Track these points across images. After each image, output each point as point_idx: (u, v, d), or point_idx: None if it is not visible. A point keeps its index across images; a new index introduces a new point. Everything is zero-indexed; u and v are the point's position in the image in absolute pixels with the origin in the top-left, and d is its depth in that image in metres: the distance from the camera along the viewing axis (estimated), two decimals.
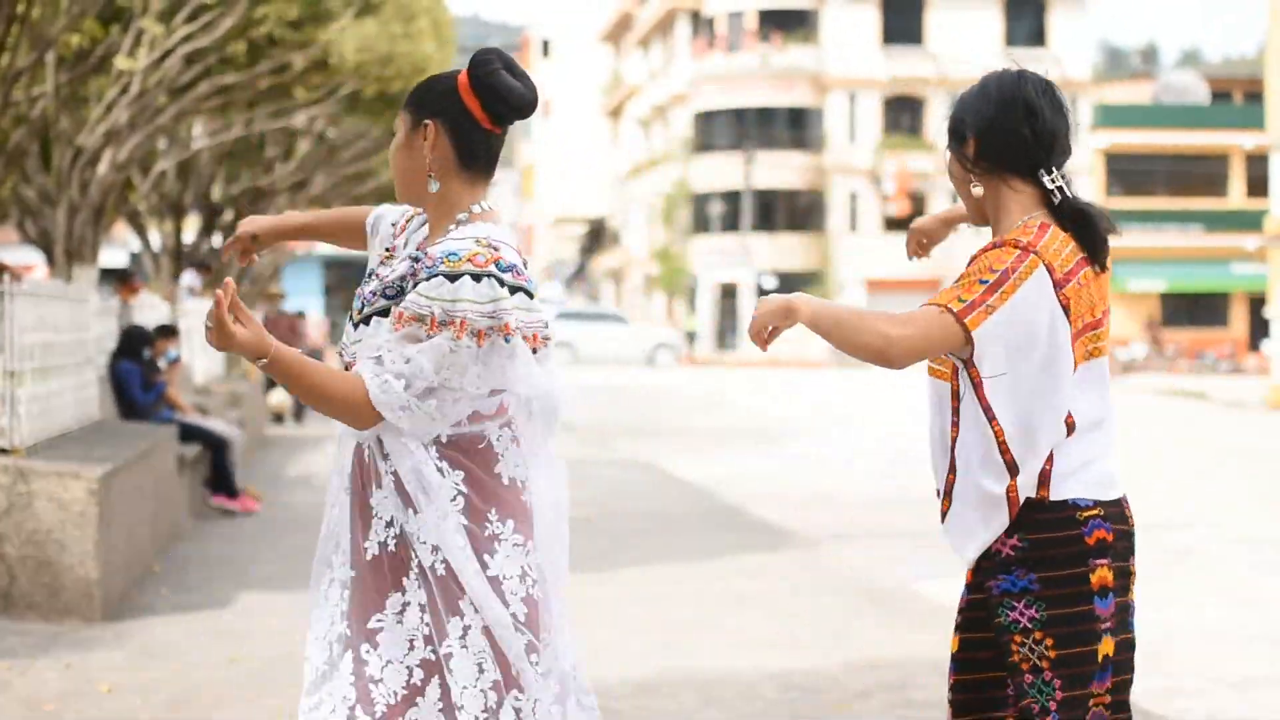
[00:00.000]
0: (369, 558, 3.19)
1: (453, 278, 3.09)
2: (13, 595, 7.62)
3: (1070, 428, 3.16)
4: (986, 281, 3.11)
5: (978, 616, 3.20)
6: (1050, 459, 3.15)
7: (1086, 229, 3.25)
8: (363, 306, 3.27)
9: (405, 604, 3.15)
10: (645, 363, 45.26)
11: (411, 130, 3.24)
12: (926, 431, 3.36)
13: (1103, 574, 3.17)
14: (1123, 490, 3.25)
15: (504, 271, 3.13)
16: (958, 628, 3.24)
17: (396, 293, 3.19)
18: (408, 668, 3.14)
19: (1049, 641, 3.12)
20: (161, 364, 12.60)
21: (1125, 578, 3.25)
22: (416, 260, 3.18)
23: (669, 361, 45.66)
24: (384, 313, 3.19)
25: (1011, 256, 3.13)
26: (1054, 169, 3.25)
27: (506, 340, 3.11)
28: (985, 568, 3.18)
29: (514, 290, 3.14)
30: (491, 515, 3.17)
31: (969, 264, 3.20)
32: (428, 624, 3.14)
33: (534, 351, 3.19)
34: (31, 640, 7.17)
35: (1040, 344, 3.13)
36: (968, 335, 3.10)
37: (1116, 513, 3.23)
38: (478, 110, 3.22)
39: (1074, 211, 3.25)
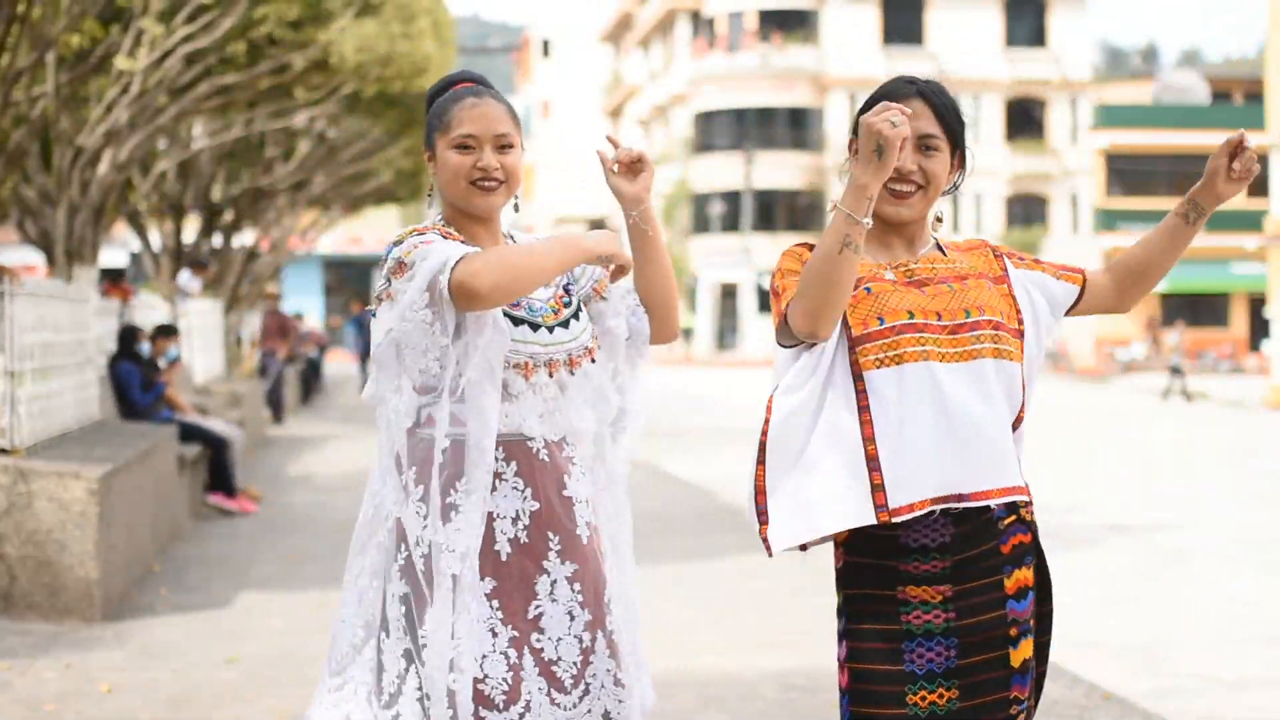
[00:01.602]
0: (585, 542, 3.30)
1: None
2: (13, 595, 7.62)
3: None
4: None
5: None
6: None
7: None
8: (556, 309, 3.37)
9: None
10: None
11: (521, 143, 3.41)
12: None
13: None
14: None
15: None
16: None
17: (576, 286, 3.43)
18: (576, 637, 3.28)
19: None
20: (161, 363, 12.61)
21: None
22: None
23: None
24: (578, 310, 3.40)
25: None
26: None
27: None
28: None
29: None
30: None
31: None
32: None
33: None
34: (31, 640, 7.18)
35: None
36: None
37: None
38: None
39: None
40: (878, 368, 3.12)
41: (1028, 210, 55.43)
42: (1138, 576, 9.88)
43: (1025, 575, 3.13)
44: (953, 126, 3.24)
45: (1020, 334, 3.21)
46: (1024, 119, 55.85)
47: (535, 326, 3.27)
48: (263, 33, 14.94)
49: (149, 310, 14.66)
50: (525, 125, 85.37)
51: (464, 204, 3.31)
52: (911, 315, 3.15)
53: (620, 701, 3.27)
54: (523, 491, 3.23)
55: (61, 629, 7.47)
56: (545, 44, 79.42)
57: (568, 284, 3.41)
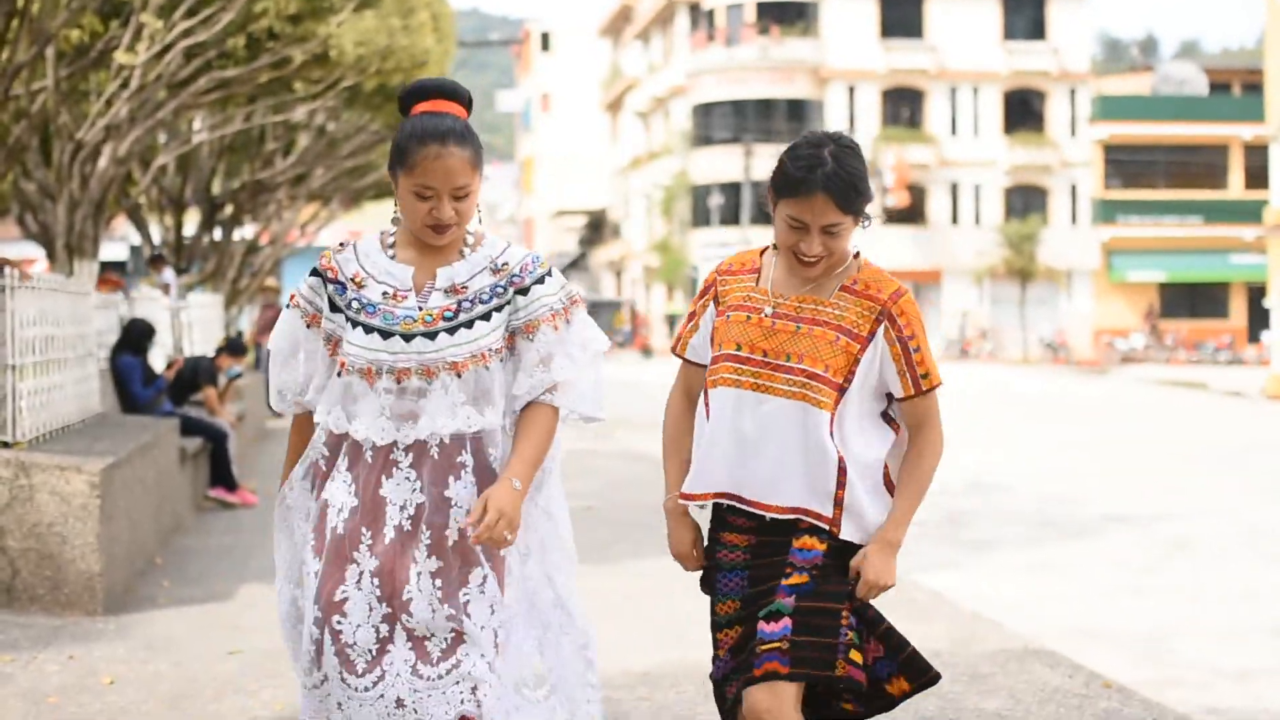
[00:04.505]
0: (388, 542, 3.46)
1: (550, 273, 3.57)
2: (15, 588, 7.63)
3: None
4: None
5: None
6: None
7: None
8: (431, 318, 3.48)
9: (484, 575, 3.49)
10: None
11: (480, 180, 3.55)
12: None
13: None
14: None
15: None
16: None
17: (490, 298, 3.49)
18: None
19: None
20: (221, 380, 12.75)
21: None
22: (497, 270, 3.52)
23: None
24: (474, 320, 3.47)
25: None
26: None
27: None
28: None
29: None
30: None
31: (913, 325, 3.62)
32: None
33: None
34: (34, 633, 7.19)
35: None
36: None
37: None
38: None
39: None
40: (712, 387, 3.67)
41: (1026, 202, 55.41)
42: (1139, 566, 9.89)
43: (814, 543, 3.58)
44: (854, 208, 3.50)
45: (840, 389, 3.55)
46: (1023, 111, 55.82)
47: (386, 335, 3.45)
48: (262, 27, 14.92)
49: (149, 303, 14.65)
50: (525, 119, 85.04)
51: (419, 237, 3.53)
52: (738, 348, 3.60)
53: (415, 692, 3.42)
54: (350, 487, 3.50)
55: (63, 622, 7.48)
56: (545, 37, 79.41)
57: (470, 297, 3.49)
